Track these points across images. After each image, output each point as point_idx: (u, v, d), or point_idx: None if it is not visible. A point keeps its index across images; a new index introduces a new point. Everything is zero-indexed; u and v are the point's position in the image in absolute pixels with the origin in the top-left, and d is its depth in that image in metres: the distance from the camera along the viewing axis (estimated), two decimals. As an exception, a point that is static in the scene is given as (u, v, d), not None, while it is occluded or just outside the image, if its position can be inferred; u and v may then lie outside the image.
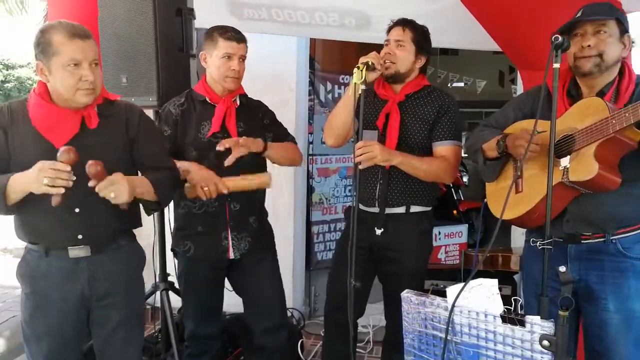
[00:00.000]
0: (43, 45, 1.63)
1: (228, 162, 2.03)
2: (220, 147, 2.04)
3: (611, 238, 1.67)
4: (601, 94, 1.69)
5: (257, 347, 2.35)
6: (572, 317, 1.71)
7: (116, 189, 1.58)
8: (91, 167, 1.54)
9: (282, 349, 2.37)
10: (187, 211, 2.21)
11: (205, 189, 2.00)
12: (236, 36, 2.13)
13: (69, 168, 1.52)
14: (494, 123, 1.96)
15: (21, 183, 1.58)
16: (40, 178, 1.51)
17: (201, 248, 2.21)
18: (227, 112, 2.17)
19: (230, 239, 2.20)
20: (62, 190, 1.52)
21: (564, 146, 1.64)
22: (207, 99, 2.19)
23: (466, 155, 2.16)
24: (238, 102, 2.23)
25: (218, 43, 2.12)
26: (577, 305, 1.73)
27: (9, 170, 1.64)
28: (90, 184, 1.56)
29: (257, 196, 2.26)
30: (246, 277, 2.29)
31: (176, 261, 2.35)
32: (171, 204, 2.17)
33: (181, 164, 2.06)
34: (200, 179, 2.02)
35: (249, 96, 2.31)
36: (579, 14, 1.68)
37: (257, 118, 2.27)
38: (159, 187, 1.75)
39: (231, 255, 2.21)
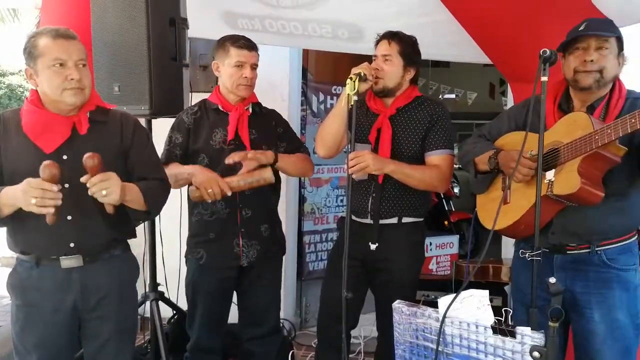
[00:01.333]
0: (30, 49, 1.65)
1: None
2: (229, 161, 2.07)
3: (596, 249, 1.69)
4: (591, 108, 1.70)
5: (247, 353, 2.36)
6: (560, 327, 1.73)
7: (108, 185, 1.55)
8: (88, 159, 1.51)
9: (272, 356, 2.37)
10: (200, 218, 2.24)
11: (210, 191, 2.02)
12: (248, 44, 2.18)
13: (55, 188, 1.49)
14: (486, 134, 1.98)
15: (10, 198, 1.56)
16: (27, 198, 1.48)
17: (213, 255, 2.23)
18: (240, 120, 2.20)
19: (241, 245, 2.21)
20: (52, 210, 1.50)
21: (549, 159, 1.66)
22: (220, 107, 2.23)
23: (459, 165, 2.18)
24: (250, 110, 2.27)
25: (230, 52, 2.16)
26: (565, 315, 1.73)
27: (2, 180, 1.63)
28: (83, 178, 1.52)
29: (268, 203, 2.30)
30: (248, 286, 2.30)
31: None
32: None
33: (185, 168, 2.11)
34: (203, 181, 2.05)
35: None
36: (582, 27, 1.67)
37: (270, 126, 2.30)
38: (148, 196, 1.73)
39: (242, 263, 2.22)
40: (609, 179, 1.61)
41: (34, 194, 1.48)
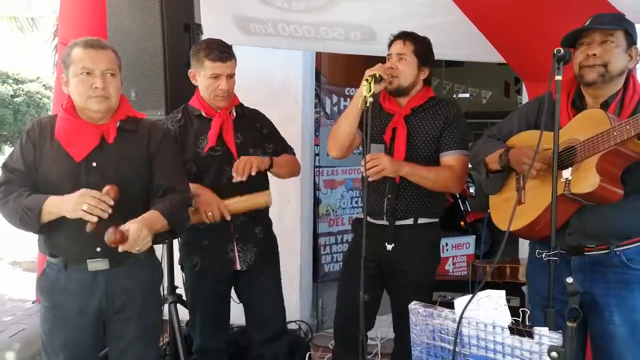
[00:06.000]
0: (64, 58, 1.72)
1: (236, 180, 2.06)
2: (237, 180, 2.04)
3: (615, 250, 1.66)
4: (605, 104, 1.68)
5: (257, 357, 2.37)
6: (579, 329, 1.70)
7: (140, 243, 1.61)
8: (110, 235, 1.55)
9: (281, 358, 2.38)
10: (192, 226, 2.21)
11: (209, 214, 2.03)
12: (221, 56, 2.08)
13: (112, 203, 1.58)
14: (497, 134, 1.96)
15: (57, 206, 1.63)
16: (80, 202, 1.56)
17: (208, 262, 2.23)
18: (224, 125, 2.17)
19: (236, 250, 2.21)
20: (96, 219, 1.57)
21: (565, 158, 1.64)
22: (203, 113, 2.19)
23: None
24: (234, 114, 2.23)
25: (204, 64, 2.10)
26: (584, 317, 1.70)
27: (37, 185, 1.69)
28: (120, 249, 1.59)
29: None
30: (249, 288, 2.31)
31: (183, 275, 2.37)
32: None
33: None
34: (204, 203, 2.05)
35: (252, 107, 2.33)
36: (587, 23, 1.67)
37: (255, 128, 2.28)
38: (172, 219, 1.76)
39: (238, 267, 2.22)
40: (626, 176, 1.58)
41: (89, 201, 1.56)
